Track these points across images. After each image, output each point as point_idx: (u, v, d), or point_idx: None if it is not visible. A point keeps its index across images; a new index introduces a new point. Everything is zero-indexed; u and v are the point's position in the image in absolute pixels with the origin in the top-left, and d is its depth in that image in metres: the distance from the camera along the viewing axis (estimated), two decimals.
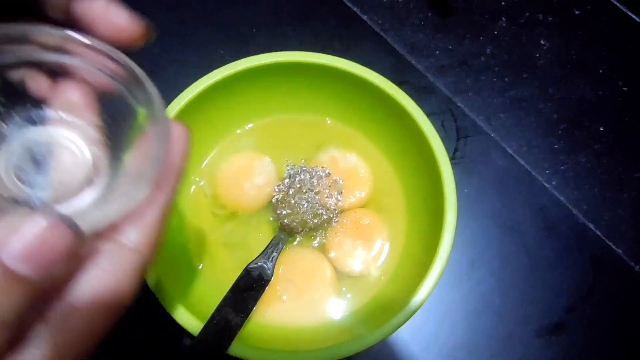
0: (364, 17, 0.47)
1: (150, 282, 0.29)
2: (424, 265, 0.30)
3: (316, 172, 0.36)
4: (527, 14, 0.47)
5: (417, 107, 0.33)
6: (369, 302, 0.34)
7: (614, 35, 0.47)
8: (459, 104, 0.44)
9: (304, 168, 0.36)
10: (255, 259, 0.33)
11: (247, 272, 0.32)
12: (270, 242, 0.34)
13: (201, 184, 0.38)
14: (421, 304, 0.29)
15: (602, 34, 0.47)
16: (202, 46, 0.45)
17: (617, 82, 0.45)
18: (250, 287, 0.31)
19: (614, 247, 0.41)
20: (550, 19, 0.47)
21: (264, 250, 0.34)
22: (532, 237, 0.41)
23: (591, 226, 0.41)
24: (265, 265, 0.33)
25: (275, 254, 0.34)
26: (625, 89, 0.45)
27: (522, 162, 0.43)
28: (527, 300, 0.39)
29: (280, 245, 0.34)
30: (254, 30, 0.46)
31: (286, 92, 0.37)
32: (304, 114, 0.39)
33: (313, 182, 0.36)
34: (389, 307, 0.31)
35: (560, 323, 0.39)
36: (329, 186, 0.36)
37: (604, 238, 0.41)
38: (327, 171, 0.36)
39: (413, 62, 0.45)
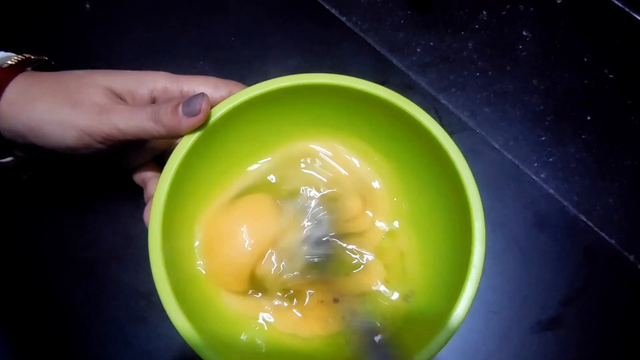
0: (343, 19, 0.46)
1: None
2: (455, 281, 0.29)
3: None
4: (508, 5, 0.47)
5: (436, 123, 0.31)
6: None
7: (597, 22, 0.46)
8: (443, 101, 0.44)
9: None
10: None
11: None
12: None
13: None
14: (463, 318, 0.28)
15: (585, 21, 0.46)
16: (181, 57, 0.45)
17: (602, 70, 0.45)
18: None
19: (607, 237, 0.40)
20: (531, 9, 0.47)
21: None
22: (523, 232, 0.40)
23: (583, 217, 0.41)
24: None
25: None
26: (611, 76, 0.44)
27: (510, 156, 0.42)
28: (521, 296, 0.39)
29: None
30: (232, 39, 0.45)
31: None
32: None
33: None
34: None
35: (556, 318, 0.38)
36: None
37: (596, 229, 0.40)
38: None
39: (394, 61, 0.45)
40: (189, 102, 0.29)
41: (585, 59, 0.45)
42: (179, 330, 0.26)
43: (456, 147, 0.30)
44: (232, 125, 0.32)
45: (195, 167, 0.31)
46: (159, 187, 0.28)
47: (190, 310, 0.27)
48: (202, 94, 0.29)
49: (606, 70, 0.45)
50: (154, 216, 0.28)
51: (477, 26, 0.46)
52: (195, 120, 0.29)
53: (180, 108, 0.29)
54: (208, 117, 0.30)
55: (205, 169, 0.33)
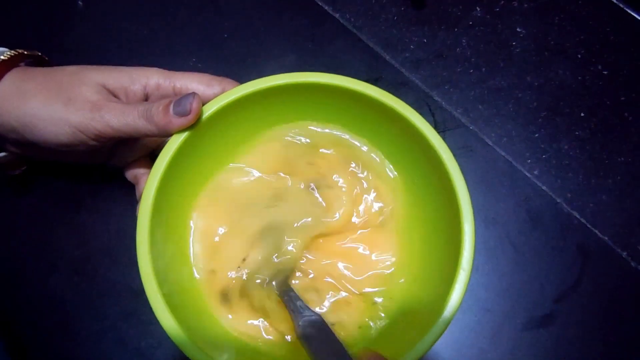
0: (336, 16, 0.46)
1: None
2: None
3: None
4: (502, 1, 0.47)
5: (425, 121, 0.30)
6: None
7: (592, 18, 0.46)
8: (436, 98, 0.44)
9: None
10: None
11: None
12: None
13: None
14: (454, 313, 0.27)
15: (579, 17, 0.46)
16: (173, 55, 0.45)
17: (596, 66, 0.44)
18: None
19: (600, 234, 0.40)
20: (525, 5, 0.46)
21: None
22: (516, 228, 0.40)
23: (576, 214, 0.41)
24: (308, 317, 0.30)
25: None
26: (605, 72, 0.44)
27: (503, 153, 0.42)
28: (514, 293, 0.39)
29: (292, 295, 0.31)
30: (225, 36, 0.45)
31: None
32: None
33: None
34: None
35: (548, 315, 0.38)
36: None
37: (589, 226, 0.40)
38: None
39: (387, 57, 0.45)
40: (179, 101, 0.29)
41: (579, 56, 0.45)
42: (165, 328, 0.26)
43: (446, 147, 0.30)
44: (225, 122, 0.32)
45: (186, 163, 0.31)
46: (148, 184, 0.28)
47: (178, 308, 0.27)
48: (193, 94, 0.29)
49: (600, 67, 0.44)
50: (142, 214, 0.28)
51: (470, 22, 0.46)
52: (185, 121, 0.29)
53: (171, 107, 0.29)
54: (201, 113, 0.30)
55: (197, 165, 0.33)
